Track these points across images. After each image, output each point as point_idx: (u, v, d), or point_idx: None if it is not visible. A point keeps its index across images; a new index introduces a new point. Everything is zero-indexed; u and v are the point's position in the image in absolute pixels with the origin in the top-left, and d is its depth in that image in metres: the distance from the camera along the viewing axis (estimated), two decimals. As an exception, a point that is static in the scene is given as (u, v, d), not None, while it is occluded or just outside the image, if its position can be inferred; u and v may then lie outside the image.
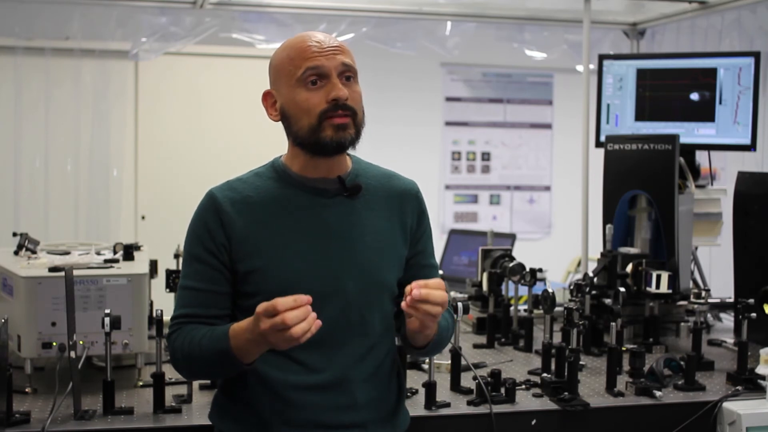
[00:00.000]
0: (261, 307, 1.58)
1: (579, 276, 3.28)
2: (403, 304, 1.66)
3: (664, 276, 2.88)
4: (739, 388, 2.45)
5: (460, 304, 2.29)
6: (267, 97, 1.84)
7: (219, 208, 1.79)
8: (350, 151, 1.84)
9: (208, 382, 2.38)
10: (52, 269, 2.31)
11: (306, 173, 1.82)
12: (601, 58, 3.54)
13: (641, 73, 3.44)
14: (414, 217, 1.90)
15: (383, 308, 1.85)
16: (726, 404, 2.32)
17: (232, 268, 1.78)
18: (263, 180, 1.84)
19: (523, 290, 3.11)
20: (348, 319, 1.79)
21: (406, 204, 1.90)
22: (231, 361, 1.69)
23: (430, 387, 2.25)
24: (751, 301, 2.62)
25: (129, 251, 2.62)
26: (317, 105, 1.74)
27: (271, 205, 1.80)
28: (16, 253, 2.64)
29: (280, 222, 1.79)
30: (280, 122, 1.83)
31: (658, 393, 2.37)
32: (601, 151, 3.32)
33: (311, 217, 1.80)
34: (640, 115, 3.45)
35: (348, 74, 1.77)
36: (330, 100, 1.73)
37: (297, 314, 1.55)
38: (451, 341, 2.15)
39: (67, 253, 2.61)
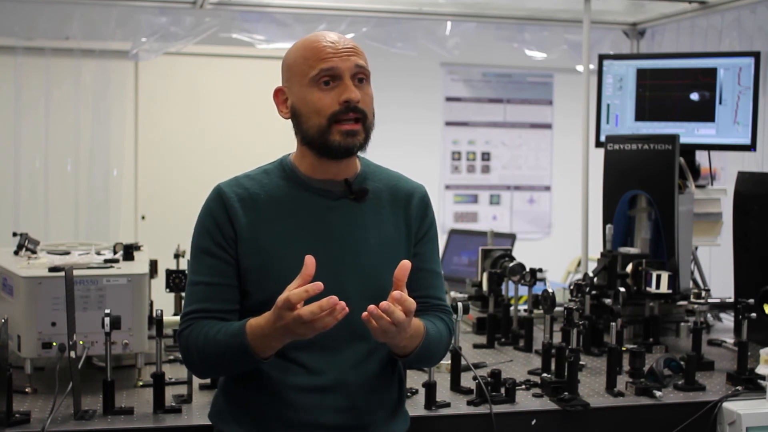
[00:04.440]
0: (281, 300, 1.58)
1: (579, 276, 3.28)
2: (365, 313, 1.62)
3: (664, 276, 2.88)
4: (739, 388, 2.45)
5: (460, 304, 2.29)
6: (278, 94, 1.84)
7: (227, 202, 1.79)
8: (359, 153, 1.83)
9: (208, 381, 2.38)
10: (52, 269, 2.31)
11: (314, 174, 1.82)
12: (601, 58, 3.54)
13: (641, 73, 3.44)
14: (418, 220, 1.90)
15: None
16: (726, 404, 2.32)
17: (238, 263, 1.79)
18: (271, 178, 1.84)
19: (523, 290, 3.11)
20: (349, 322, 1.78)
21: (411, 207, 1.89)
22: (248, 355, 1.69)
23: (430, 387, 2.25)
24: (751, 301, 2.61)
25: (129, 251, 2.62)
26: (329, 106, 1.74)
27: (277, 204, 1.80)
28: (16, 253, 2.64)
29: (285, 222, 1.79)
30: (286, 120, 1.83)
31: (658, 393, 2.37)
32: (601, 151, 3.32)
33: (316, 219, 1.80)
34: (640, 115, 3.45)
35: (360, 76, 1.77)
36: (342, 102, 1.73)
37: (313, 309, 1.56)
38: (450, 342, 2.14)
39: (67, 253, 2.61)
